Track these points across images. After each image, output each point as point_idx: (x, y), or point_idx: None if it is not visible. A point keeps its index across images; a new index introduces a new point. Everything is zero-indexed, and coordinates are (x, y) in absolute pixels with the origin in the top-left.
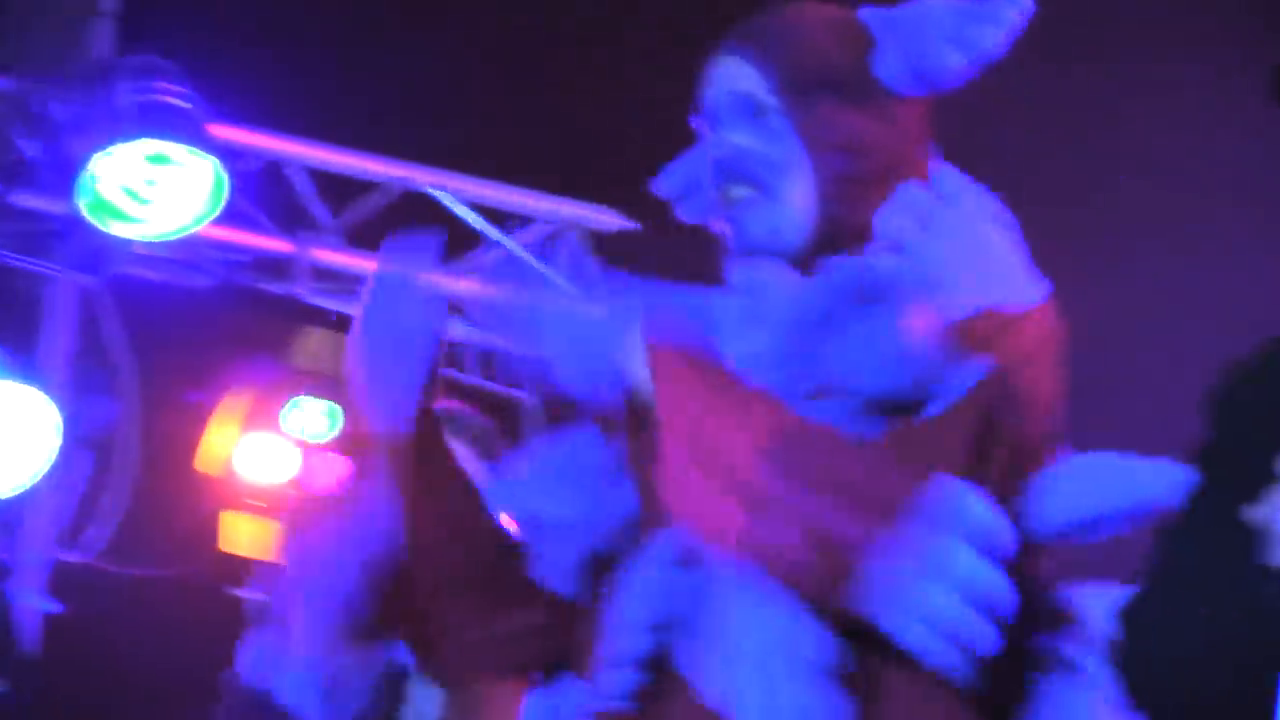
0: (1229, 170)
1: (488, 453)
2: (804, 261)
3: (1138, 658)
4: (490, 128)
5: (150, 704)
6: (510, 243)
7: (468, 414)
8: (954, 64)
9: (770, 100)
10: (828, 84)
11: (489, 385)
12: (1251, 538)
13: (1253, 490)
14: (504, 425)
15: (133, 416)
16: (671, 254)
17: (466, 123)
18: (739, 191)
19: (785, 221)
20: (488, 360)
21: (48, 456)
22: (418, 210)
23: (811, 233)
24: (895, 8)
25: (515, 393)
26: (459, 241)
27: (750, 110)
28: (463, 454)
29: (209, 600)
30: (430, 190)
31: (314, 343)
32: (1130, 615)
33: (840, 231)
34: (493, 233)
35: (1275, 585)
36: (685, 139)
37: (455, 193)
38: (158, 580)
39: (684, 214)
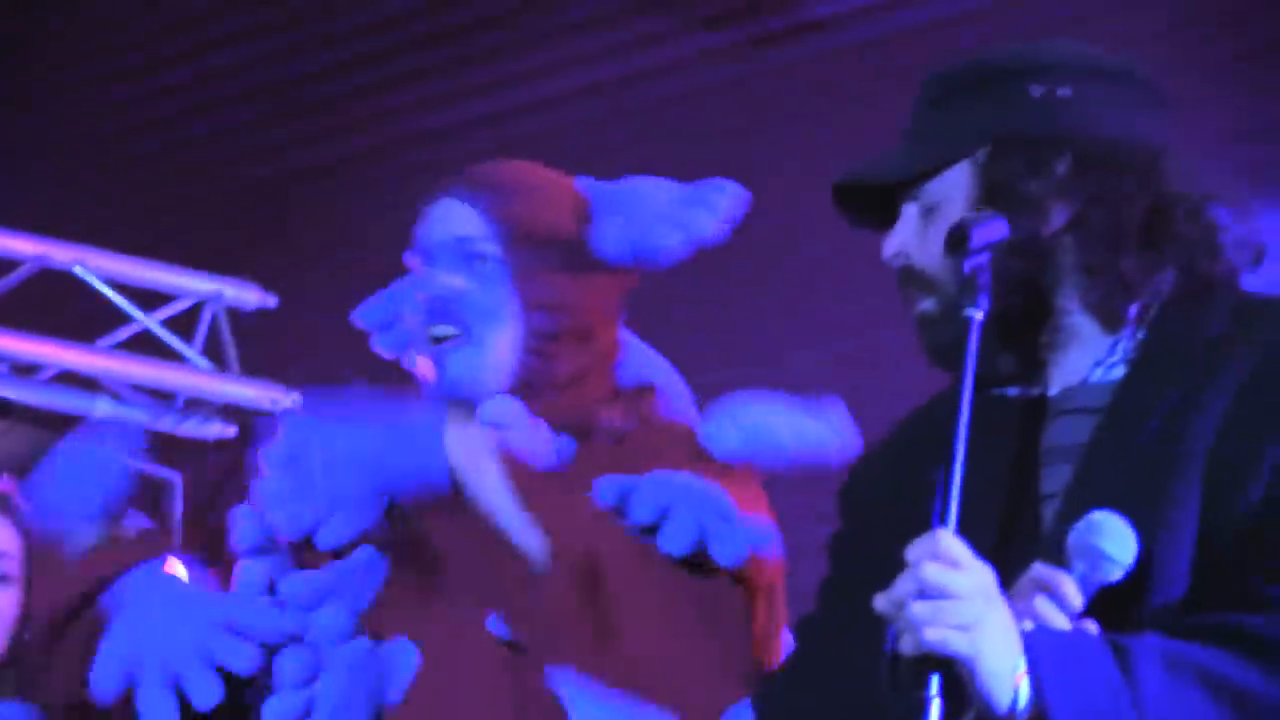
0: None
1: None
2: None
3: None
4: (128, 203)
5: None
6: (149, 320)
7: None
8: (672, 245)
9: (489, 248)
10: (547, 243)
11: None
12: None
13: (882, 578)
14: (149, 504)
15: None
16: (308, 330)
17: (105, 199)
18: (444, 331)
19: (486, 368)
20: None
21: None
22: (58, 287)
23: (507, 382)
24: (612, 185)
25: (162, 472)
26: (99, 319)
27: (468, 255)
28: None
29: None
30: (69, 268)
31: None
32: (762, 700)
33: (532, 384)
34: (132, 310)
35: (895, 671)
36: (316, 211)
37: (94, 269)
38: None
39: (383, 346)
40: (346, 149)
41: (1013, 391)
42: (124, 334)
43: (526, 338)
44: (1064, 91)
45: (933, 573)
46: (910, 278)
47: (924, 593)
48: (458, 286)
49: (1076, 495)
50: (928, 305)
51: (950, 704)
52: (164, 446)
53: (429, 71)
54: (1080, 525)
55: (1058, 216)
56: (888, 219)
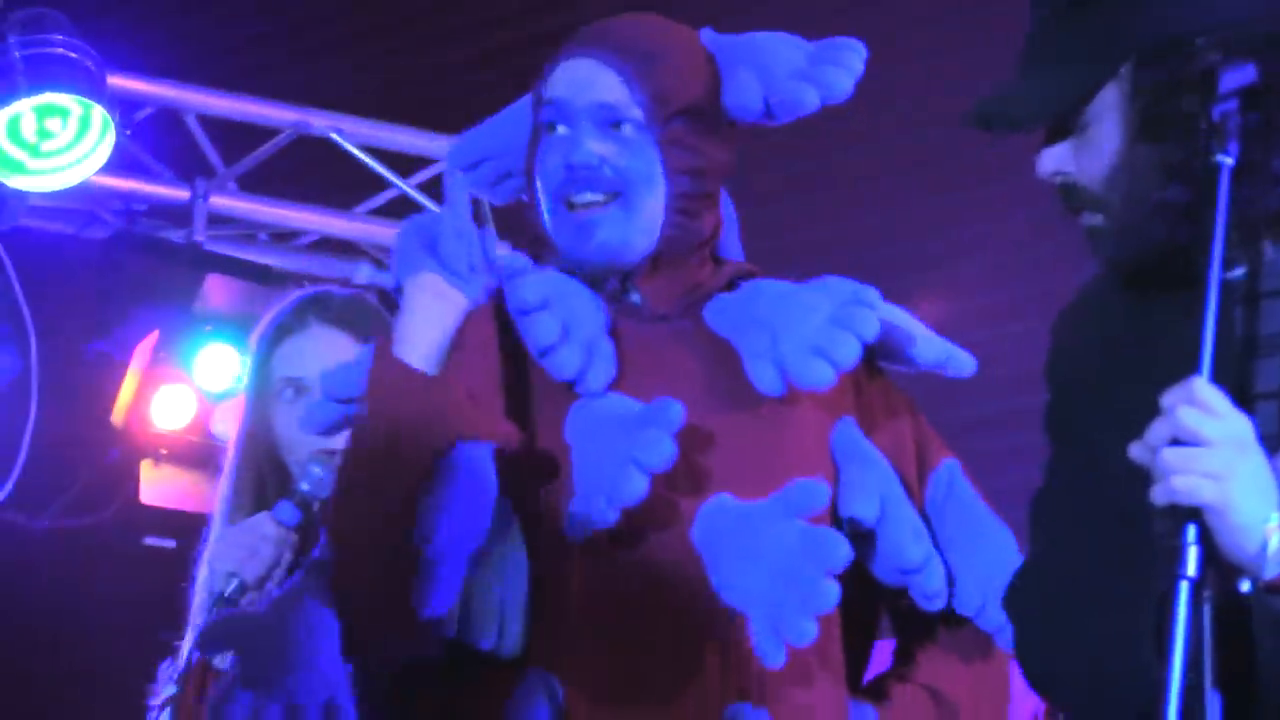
0: None
1: (361, 333)
2: (626, 275)
3: (1029, 622)
4: (382, 71)
5: (62, 652)
6: (406, 185)
7: (336, 294)
8: (809, 102)
9: (633, 114)
10: (689, 109)
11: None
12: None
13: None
14: None
15: (33, 369)
16: None
17: (359, 66)
18: (590, 198)
19: (637, 234)
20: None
21: None
22: (313, 155)
23: (653, 247)
24: (739, 39)
25: None
26: (356, 185)
27: (611, 119)
28: (332, 338)
29: (121, 550)
30: (325, 133)
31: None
32: (1021, 582)
33: (676, 246)
34: (390, 175)
35: (1159, 522)
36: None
37: (350, 136)
38: (66, 531)
39: (476, 185)
40: (602, 10)
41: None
42: (381, 200)
43: (672, 199)
44: None
45: (1186, 418)
46: (1074, 194)
47: (1177, 440)
48: (607, 153)
49: None
50: (1096, 221)
51: (1209, 551)
52: None
53: None
54: None
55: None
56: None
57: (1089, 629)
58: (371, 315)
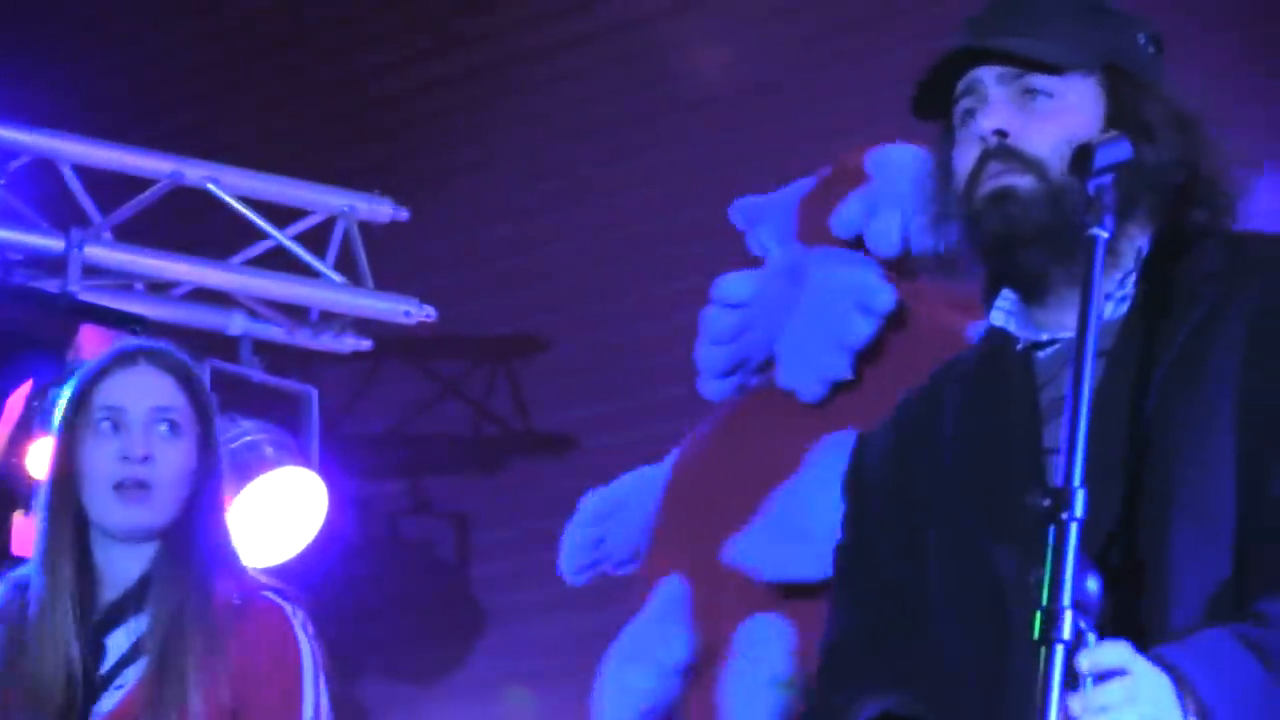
0: None
1: (184, 381)
2: None
3: None
4: (261, 120)
5: None
6: (283, 236)
7: (167, 345)
8: None
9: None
10: None
11: (267, 378)
12: None
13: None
14: (283, 417)
15: None
16: (440, 244)
17: (236, 116)
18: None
19: None
20: (267, 353)
21: None
22: (189, 205)
23: None
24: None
25: (298, 386)
26: (232, 235)
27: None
28: (160, 378)
29: None
30: (201, 184)
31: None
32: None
33: None
34: (266, 226)
35: None
36: (448, 124)
37: (226, 186)
38: None
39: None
40: (472, 62)
41: (1021, 339)
42: (258, 250)
43: None
44: (1152, 49)
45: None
46: (1008, 154)
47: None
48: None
49: (1096, 443)
50: (1023, 182)
51: None
52: (299, 361)
53: None
54: None
55: (1150, 155)
56: (943, 103)
57: None
58: (193, 367)
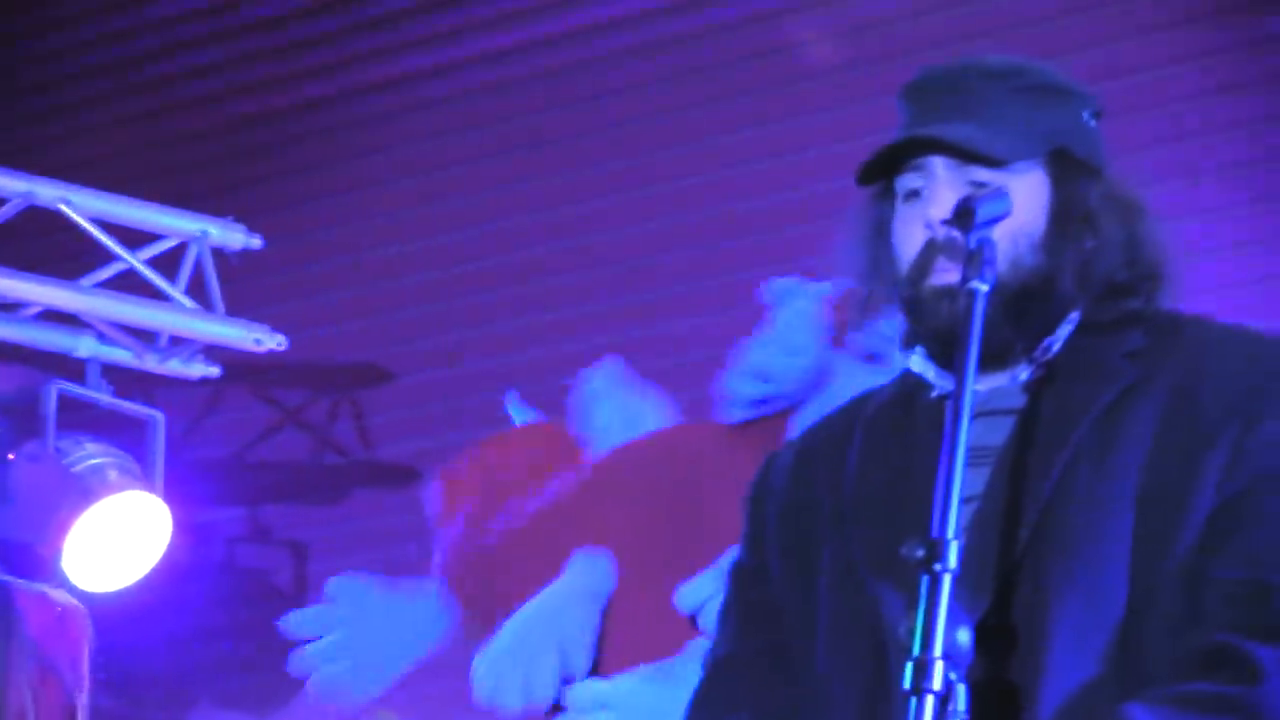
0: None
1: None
2: None
3: None
4: (114, 141)
5: None
6: (134, 259)
7: None
8: None
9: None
10: None
11: (114, 402)
12: None
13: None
14: (132, 443)
15: None
16: (293, 271)
17: (91, 136)
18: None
19: None
20: (113, 376)
21: None
22: (40, 225)
23: None
24: None
25: (145, 411)
26: (83, 257)
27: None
28: None
29: None
30: (53, 205)
31: None
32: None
33: None
34: (117, 249)
35: None
36: (303, 150)
37: (79, 207)
38: None
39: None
40: (332, 87)
41: (936, 389)
42: (108, 273)
43: None
44: (1094, 124)
45: None
46: (956, 250)
47: None
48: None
49: (995, 499)
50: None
51: None
52: (147, 385)
53: (418, 10)
54: None
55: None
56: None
57: None
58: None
